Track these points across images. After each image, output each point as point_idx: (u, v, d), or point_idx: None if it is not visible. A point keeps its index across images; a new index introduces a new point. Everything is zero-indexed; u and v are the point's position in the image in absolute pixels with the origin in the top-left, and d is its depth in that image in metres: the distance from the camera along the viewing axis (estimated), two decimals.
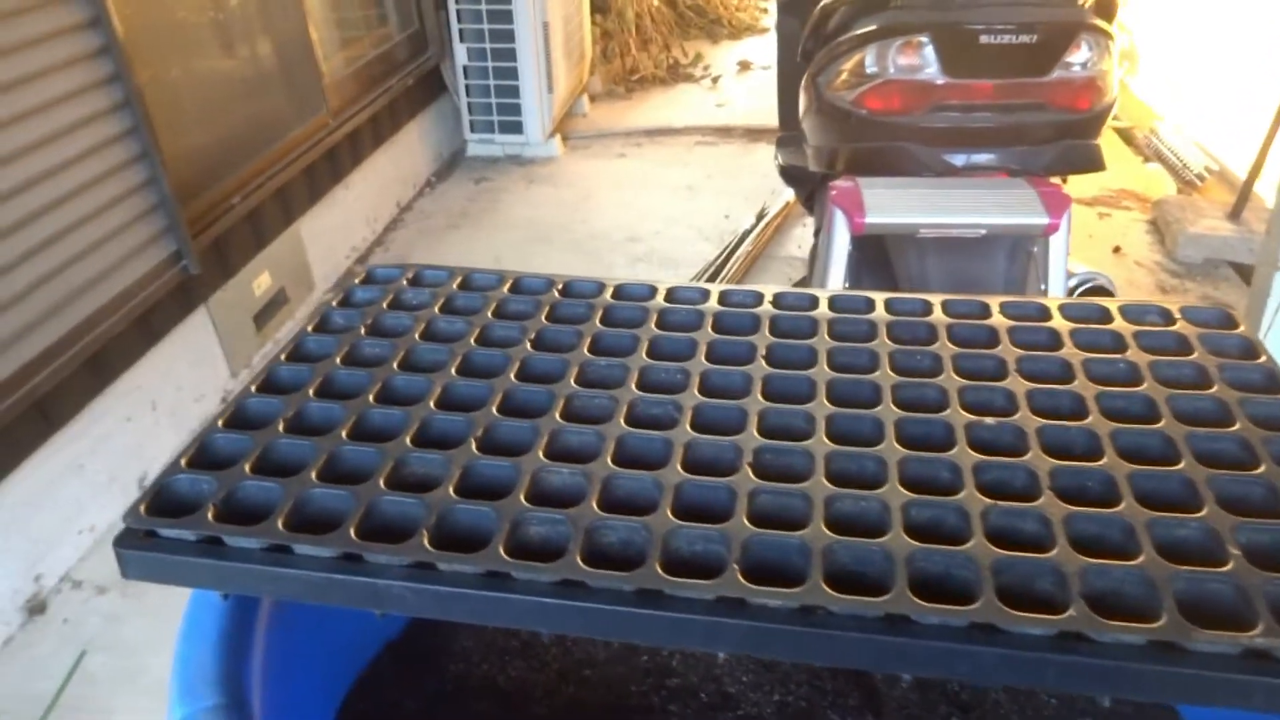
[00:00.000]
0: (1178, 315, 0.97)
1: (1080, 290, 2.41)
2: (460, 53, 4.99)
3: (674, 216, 4.64)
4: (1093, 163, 2.50)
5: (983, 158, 2.46)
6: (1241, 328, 0.95)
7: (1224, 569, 0.67)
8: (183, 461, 0.80)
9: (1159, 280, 4.04)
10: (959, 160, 2.45)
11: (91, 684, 2.20)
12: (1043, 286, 2.13)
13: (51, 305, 2.48)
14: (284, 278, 3.81)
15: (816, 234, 3.10)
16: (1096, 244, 4.28)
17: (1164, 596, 0.65)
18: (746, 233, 4.31)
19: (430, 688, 1.00)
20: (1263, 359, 0.91)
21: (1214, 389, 0.86)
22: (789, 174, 3.38)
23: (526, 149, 5.28)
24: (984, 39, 2.31)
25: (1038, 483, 0.76)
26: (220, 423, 0.85)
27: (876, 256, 2.55)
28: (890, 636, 0.65)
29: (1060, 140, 2.46)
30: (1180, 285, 3.97)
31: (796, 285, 3.72)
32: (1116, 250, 4.26)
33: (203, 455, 0.83)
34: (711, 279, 3.94)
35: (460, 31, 4.92)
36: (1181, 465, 0.77)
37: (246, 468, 0.79)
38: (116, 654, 2.28)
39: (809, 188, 3.23)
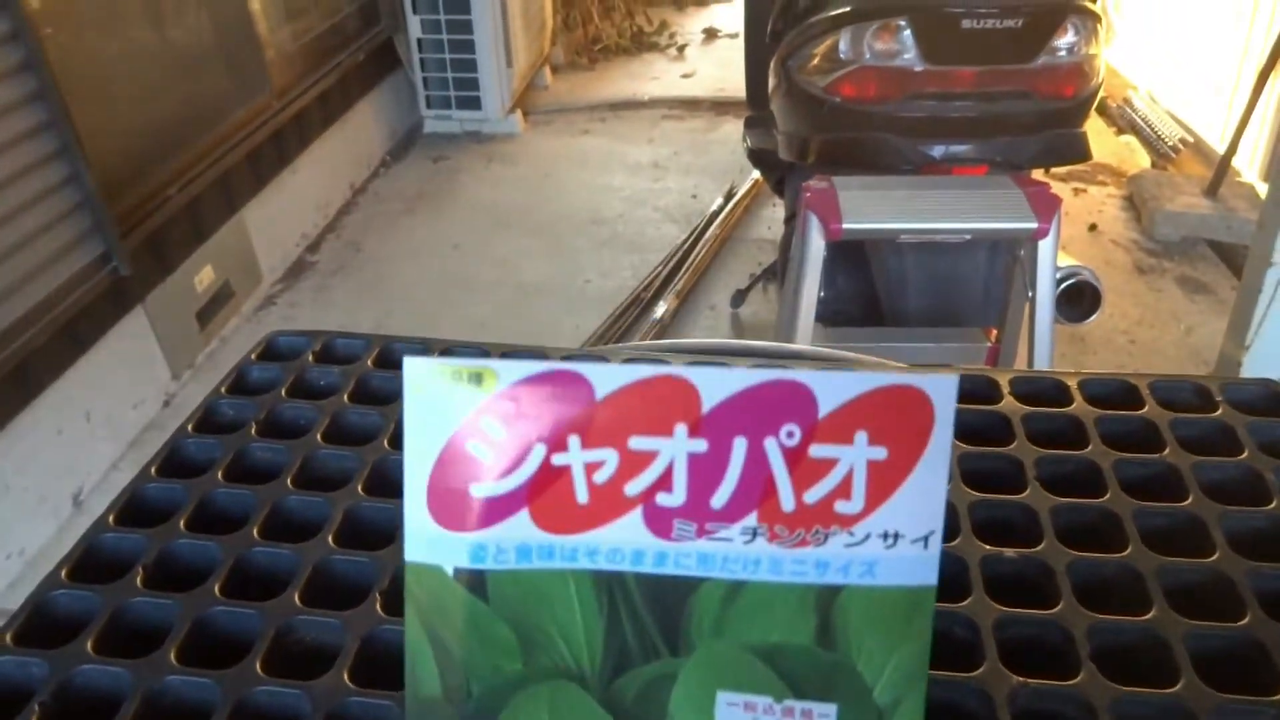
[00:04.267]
0: (1219, 395, 0.82)
1: (1064, 285, 2.29)
2: (414, 24, 4.75)
3: (639, 197, 4.47)
4: (1079, 153, 2.37)
5: (962, 149, 2.31)
6: None
7: None
8: None
9: (1136, 260, 3.95)
10: (937, 152, 2.31)
11: None
12: (1030, 293, 1.99)
13: None
14: (228, 270, 3.60)
15: (787, 221, 2.95)
16: (1072, 222, 4.17)
17: None
18: (714, 214, 4.16)
19: None
20: None
21: (1273, 505, 0.71)
22: (758, 157, 3.22)
23: (486, 125, 5.07)
24: (966, 23, 2.15)
25: (1074, 648, 0.62)
26: (9, 637, 0.62)
27: (853, 256, 2.41)
28: None
29: (1045, 130, 2.32)
30: (1159, 265, 3.87)
31: (765, 272, 3.57)
32: (1093, 228, 4.15)
33: None
34: (679, 265, 3.79)
35: (414, 2, 4.68)
36: (1247, 621, 0.63)
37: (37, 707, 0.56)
38: None
39: (779, 173, 3.08)
